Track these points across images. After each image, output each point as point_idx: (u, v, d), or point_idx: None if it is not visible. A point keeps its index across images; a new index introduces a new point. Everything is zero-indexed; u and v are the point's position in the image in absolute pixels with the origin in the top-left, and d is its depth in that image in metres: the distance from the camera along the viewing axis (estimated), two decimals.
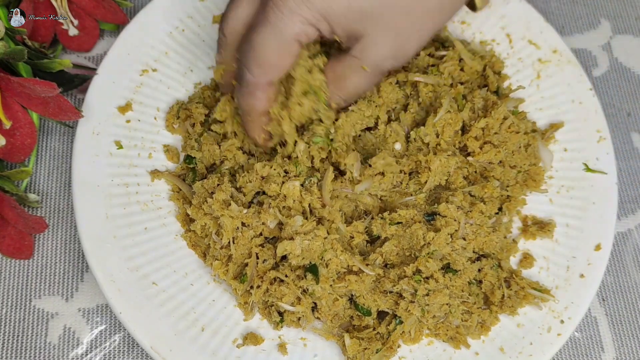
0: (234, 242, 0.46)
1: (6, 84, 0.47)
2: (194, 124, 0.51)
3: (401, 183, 0.49)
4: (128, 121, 0.51)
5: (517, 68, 0.57)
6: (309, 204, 0.47)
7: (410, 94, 0.52)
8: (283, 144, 0.49)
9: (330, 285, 0.46)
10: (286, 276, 0.46)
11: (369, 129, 0.51)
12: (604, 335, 0.52)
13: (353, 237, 0.48)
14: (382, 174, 0.48)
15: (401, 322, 0.47)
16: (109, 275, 0.46)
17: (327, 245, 0.46)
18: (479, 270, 0.48)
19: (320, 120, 0.48)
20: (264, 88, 0.45)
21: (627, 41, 0.63)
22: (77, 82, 0.52)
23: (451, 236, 0.47)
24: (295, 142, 0.48)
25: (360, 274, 0.46)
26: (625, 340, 0.52)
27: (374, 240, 0.49)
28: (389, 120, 0.51)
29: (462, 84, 0.53)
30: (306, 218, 0.47)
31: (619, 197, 0.53)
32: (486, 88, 0.53)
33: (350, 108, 0.49)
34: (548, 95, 0.56)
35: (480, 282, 0.49)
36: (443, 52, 0.54)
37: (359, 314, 0.47)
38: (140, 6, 0.56)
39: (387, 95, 0.51)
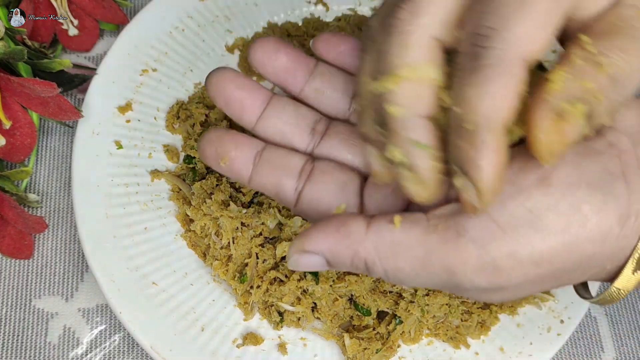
0: (233, 242, 0.46)
1: (6, 84, 0.47)
2: (194, 124, 0.51)
3: None
4: (128, 121, 0.51)
5: None
6: None
7: None
8: None
9: (330, 285, 0.46)
10: (286, 276, 0.46)
11: None
12: (604, 335, 0.52)
13: None
14: None
15: (401, 322, 0.47)
16: (109, 275, 0.46)
17: None
18: None
19: None
20: (516, 69, 0.27)
21: None
22: (77, 82, 0.52)
23: None
24: None
25: (360, 274, 0.46)
26: (625, 340, 0.52)
27: None
28: None
29: None
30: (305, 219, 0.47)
31: None
32: None
33: None
34: None
35: None
36: None
37: (359, 314, 0.47)
38: (140, 6, 0.56)
39: None
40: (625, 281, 0.32)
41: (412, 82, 0.30)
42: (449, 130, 0.29)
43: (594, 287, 0.50)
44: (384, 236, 0.31)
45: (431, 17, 0.29)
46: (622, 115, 0.32)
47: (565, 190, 0.30)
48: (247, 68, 0.55)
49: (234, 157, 0.36)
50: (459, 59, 0.29)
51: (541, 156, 0.29)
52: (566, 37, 0.32)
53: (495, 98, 0.27)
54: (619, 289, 0.33)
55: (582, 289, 0.37)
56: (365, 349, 0.46)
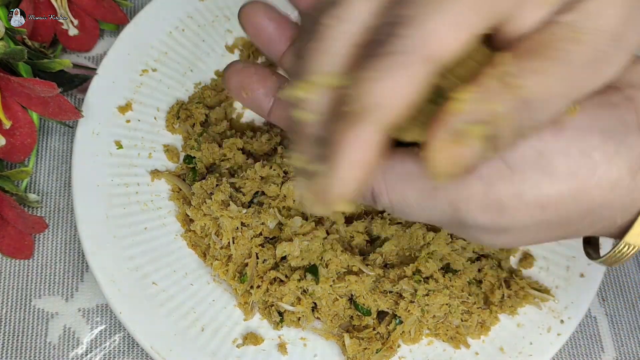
0: (233, 242, 0.46)
1: (6, 84, 0.47)
2: (194, 124, 0.51)
3: None
4: (128, 121, 0.51)
5: None
6: None
7: None
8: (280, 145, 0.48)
9: (330, 285, 0.46)
10: (286, 276, 0.46)
11: None
12: (604, 335, 0.52)
13: (353, 237, 0.48)
14: None
15: (401, 322, 0.47)
16: (109, 275, 0.46)
17: (326, 246, 0.46)
18: (479, 270, 0.48)
19: None
20: (420, 65, 0.25)
21: None
22: (77, 82, 0.52)
23: (451, 236, 0.47)
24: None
25: (360, 274, 0.46)
26: (625, 340, 0.52)
27: (374, 240, 0.49)
28: None
29: None
30: (306, 219, 0.47)
31: None
32: None
33: None
34: None
35: (480, 282, 0.49)
36: None
37: (359, 313, 0.47)
38: (140, 6, 0.56)
39: None
40: (635, 236, 0.32)
41: (322, 88, 0.28)
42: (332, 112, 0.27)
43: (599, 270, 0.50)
44: (394, 166, 0.30)
45: (353, 23, 0.27)
46: None
47: (578, 136, 0.29)
48: None
49: (257, 89, 0.36)
50: (367, 45, 0.27)
51: (432, 174, 0.27)
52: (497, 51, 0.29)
53: (389, 88, 0.25)
54: (629, 244, 0.32)
55: (590, 248, 0.37)
56: (365, 349, 0.46)
